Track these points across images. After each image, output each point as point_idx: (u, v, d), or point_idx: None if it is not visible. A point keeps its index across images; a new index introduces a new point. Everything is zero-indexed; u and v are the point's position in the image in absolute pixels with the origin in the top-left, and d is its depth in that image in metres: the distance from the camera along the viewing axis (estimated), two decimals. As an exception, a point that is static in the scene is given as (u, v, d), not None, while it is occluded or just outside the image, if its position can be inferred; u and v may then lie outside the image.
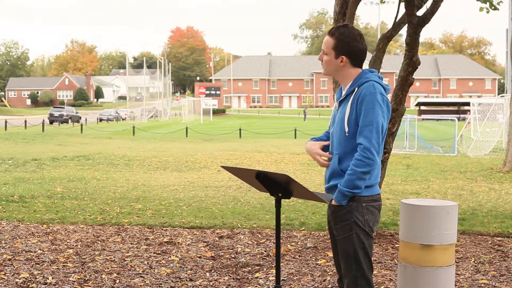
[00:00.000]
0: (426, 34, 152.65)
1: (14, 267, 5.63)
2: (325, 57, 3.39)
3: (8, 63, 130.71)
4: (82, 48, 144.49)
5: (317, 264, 5.88)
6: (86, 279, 5.27)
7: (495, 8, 8.50)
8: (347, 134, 3.28)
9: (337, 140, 3.34)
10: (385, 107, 3.24)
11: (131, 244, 6.69)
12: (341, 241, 3.32)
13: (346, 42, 3.32)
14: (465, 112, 59.26)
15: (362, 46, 3.37)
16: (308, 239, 6.99)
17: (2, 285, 5.07)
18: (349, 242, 3.28)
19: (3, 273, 5.42)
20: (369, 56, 17.08)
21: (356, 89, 3.28)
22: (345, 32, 3.34)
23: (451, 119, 29.49)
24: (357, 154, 3.19)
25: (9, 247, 6.44)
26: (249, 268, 5.71)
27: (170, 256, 6.14)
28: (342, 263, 3.36)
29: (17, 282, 5.15)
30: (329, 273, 5.53)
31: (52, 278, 5.26)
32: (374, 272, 5.55)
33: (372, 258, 6.08)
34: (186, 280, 5.30)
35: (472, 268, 5.79)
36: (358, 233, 3.26)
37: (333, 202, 3.29)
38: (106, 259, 6.00)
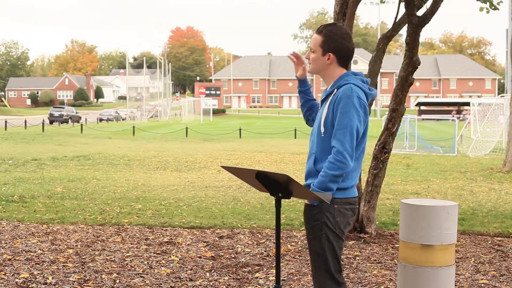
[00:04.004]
0: (426, 34, 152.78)
1: (14, 267, 5.63)
2: (312, 55, 3.39)
3: (8, 63, 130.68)
4: (82, 48, 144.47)
5: (317, 264, 5.88)
6: (86, 279, 5.27)
7: (495, 8, 8.49)
8: (322, 135, 3.28)
9: (315, 140, 3.36)
10: (361, 111, 3.22)
11: (131, 244, 6.69)
12: (310, 241, 3.32)
13: (334, 39, 3.31)
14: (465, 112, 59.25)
15: (349, 44, 3.36)
16: (308, 239, 6.99)
17: (2, 285, 5.07)
18: (318, 242, 3.27)
19: (3, 273, 5.42)
20: (369, 56, 17.06)
21: (336, 90, 3.29)
22: (333, 30, 3.34)
23: (451, 119, 29.49)
24: (331, 156, 3.18)
25: (9, 247, 6.43)
26: (249, 268, 5.71)
27: (170, 256, 6.14)
28: (311, 263, 3.36)
29: (17, 282, 5.15)
30: (329, 273, 5.52)
31: (52, 278, 5.26)
32: (374, 272, 5.56)
33: (372, 258, 6.09)
34: (186, 280, 5.30)
35: (472, 268, 5.79)
36: (327, 234, 3.25)
37: (306, 202, 3.31)
38: (106, 259, 6.00)
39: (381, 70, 10.70)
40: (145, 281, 5.23)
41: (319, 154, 3.30)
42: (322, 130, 3.27)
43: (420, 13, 6.91)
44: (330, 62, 3.34)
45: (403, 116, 7.84)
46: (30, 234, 7.15)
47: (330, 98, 3.29)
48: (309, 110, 3.68)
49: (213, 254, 6.23)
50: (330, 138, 3.24)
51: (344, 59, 3.35)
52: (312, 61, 3.40)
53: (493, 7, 8.49)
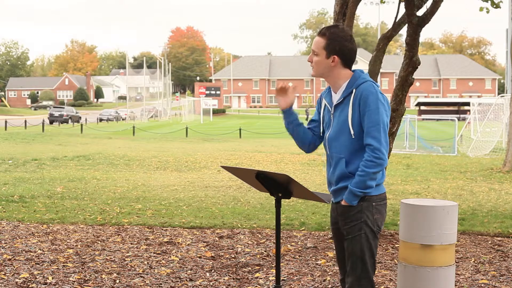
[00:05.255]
0: (426, 34, 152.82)
1: (14, 267, 5.63)
2: (315, 58, 3.36)
3: (8, 63, 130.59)
4: (82, 48, 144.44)
5: (317, 264, 5.88)
6: (86, 279, 5.27)
7: (497, 6, 8.39)
8: (353, 137, 3.27)
9: (340, 144, 3.32)
10: (386, 106, 3.27)
11: (131, 244, 6.69)
12: (349, 241, 3.33)
13: (338, 41, 3.30)
14: (465, 112, 59.23)
15: (353, 46, 3.36)
16: (308, 239, 6.99)
17: (2, 285, 5.07)
18: (357, 242, 3.29)
19: (3, 273, 5.42)
20: (369, 56, 17.06)
21: (354, 90, 3.27)
22: (336, 32, 3.32)
23: (451, 119, 29.48)
24: (367, 155, 3.19)
25: (9, 247, 6.43)
26: (249, 268, 5.71)
27: (170, 256, 6.14)
28: (348, 262, 3.36)
29: (17, 282, 5.15)
30: (329, 273, 5.53)
31: (52, 278, 5.26)
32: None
33: (372, 258, 6.10)
34: (186, 280, 5.30)
35: (472, 268, 5.79)
36: (366, 233, 3.28)
37: (343, 203, 3.29)
38: (106, 259, 6.00)
39: (381, 70, 10.70)
40: (145, 281, 5.23)
41: (349, 157, 3.29)
42: (352, 132, 3.26)
43: (420, 13, 6.91)
44: (335, 65, 3.33)
45: (403, 116, 7.84)
46: (30, 234, 7.15)
47: (352, 98, 3.27)
48: (305, 135, 3.56)
49: (213, 254, 6.23)
50: (361, 138, 3.24)
51: (348, 60, 3.35)
52: (315, 64, 3.38)
53: (494, 6, 8.42)
